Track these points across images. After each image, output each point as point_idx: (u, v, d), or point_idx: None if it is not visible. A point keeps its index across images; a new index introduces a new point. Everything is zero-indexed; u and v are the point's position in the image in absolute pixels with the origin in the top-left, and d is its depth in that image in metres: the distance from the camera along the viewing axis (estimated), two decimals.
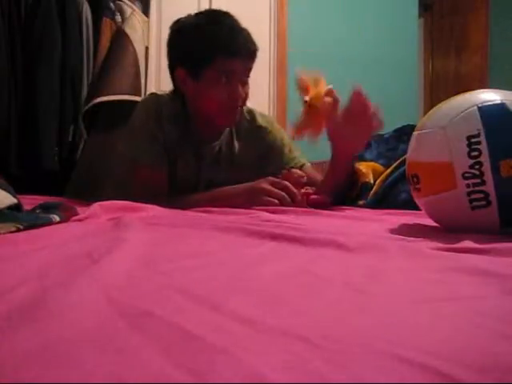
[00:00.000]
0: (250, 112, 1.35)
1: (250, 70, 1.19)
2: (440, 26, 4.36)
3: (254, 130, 1.33)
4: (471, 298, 0.40)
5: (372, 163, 1.37)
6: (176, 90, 1.27)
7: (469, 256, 0.56)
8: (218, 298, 0.37)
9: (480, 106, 0.70)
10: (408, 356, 0.27)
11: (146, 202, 1.01)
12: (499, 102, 0.71)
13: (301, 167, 1.33)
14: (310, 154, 1.45)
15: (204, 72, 1.14)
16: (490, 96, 0.72)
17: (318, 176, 1.34)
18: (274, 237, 0.65)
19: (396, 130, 1.46)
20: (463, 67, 4.14)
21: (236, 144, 1.31)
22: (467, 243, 0.62)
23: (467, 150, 0.68)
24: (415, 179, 0.78)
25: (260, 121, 1.34)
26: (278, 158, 1.34)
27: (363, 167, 1.34)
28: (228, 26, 1.14)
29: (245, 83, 1.19)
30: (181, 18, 1.22)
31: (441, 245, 0.62)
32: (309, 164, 1.38)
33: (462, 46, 4.16)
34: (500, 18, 3.95)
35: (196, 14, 1.21)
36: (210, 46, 1.14)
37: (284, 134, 1.38)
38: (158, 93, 1.31)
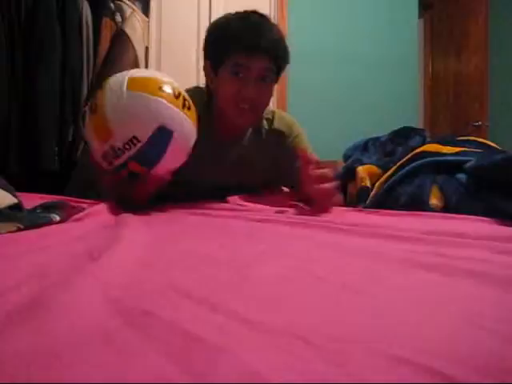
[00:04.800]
0: (272, 113, 1.33)
1: (269, 70, 1.15)
2: (440, 26, 4.35)
3: (271, 133, 1.31)
4: (470, 298, 0.40)
5: (368, 166, 1.36)
6: (207, 87, 1.26)
7: (468, 256, 0.56)
8: (218, 298, 0.37)
9: None
10: (407, 356, 0.27)
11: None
12: None
13: None
14: (317, 153, 1.43)
15: (222, 66, 1.15)
16: None
17: None
18: (275, 237, 0.65)
19: (392, 133, 1.45)
20: (463, 67, 4.13)
21: (255, 147, 1.29)
22: (466, 243, 0.62)
23: None
24: None
25: (277, 123, 1.32)
26: (291, 160, 1.33)
27: (360, 171, 1.34)
28: (250, 24, 1.13)
29: (262, 84, 1.16)
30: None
31: (440, 246, 0.62)
32: None
33: (462, 46, 4.15)
34: (500, 18, 3.95)
35: (231, 13, 1.20)
36: (227, 40, 1.14)
37: (301, 136, 1.35)
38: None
